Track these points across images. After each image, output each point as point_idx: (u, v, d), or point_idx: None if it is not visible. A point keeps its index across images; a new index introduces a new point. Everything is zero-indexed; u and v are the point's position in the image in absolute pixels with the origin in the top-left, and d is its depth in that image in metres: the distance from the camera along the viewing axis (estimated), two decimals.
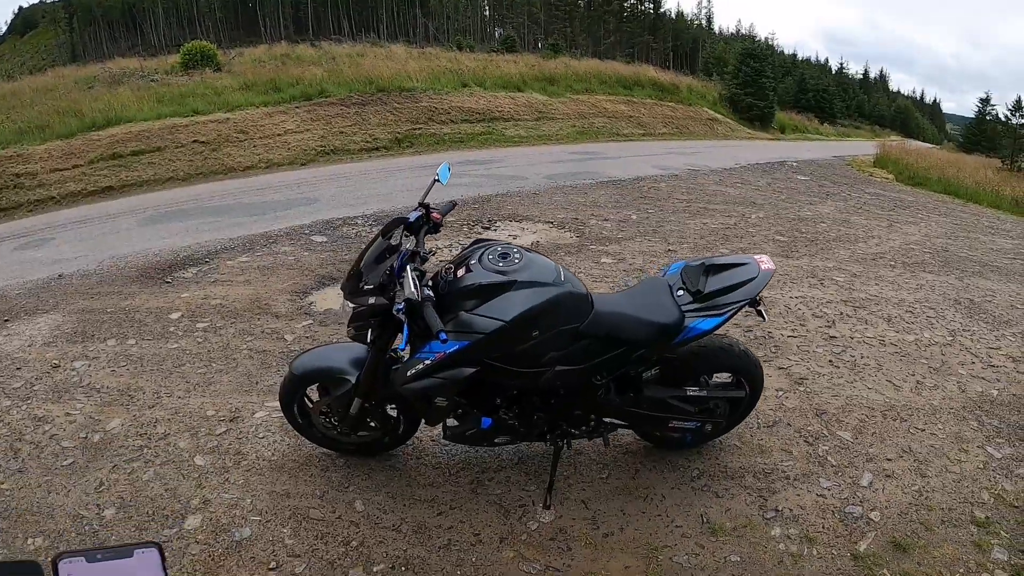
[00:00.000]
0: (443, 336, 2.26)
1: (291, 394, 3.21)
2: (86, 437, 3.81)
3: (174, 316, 5.42)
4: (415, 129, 16.67)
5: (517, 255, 2.70)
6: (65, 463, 3.59)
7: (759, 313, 3.02)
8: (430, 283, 2.72)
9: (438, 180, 3.12)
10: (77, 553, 0.61)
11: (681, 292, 2.96)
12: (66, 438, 3.81)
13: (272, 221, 8.52)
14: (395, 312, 2.39)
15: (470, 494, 3.24)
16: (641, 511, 3.15)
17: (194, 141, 13.81)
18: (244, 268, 6.57)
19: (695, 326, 2.85)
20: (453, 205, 3.32)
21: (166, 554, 0.66)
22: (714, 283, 2.94)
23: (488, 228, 8.10)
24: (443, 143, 16.40)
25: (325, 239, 7.63)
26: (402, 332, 2.45)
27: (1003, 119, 29.53)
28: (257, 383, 4.31)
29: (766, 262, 3.05)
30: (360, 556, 2.89)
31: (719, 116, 27.90)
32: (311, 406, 3.26)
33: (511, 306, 2.55)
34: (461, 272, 2.67)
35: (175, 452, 3.64)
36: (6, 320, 5.58)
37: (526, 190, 10.56)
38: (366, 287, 2.60)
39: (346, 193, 10.44)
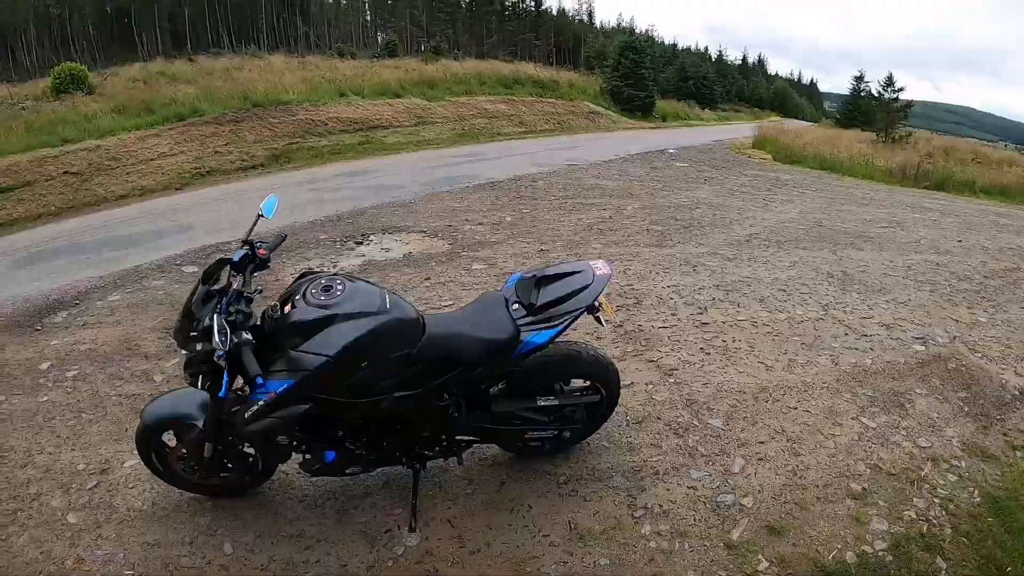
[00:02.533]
0: (260, 380, 2.29)
1: (146, 443, 3.15)
2: None
3: (44, 366, 5.21)
4: (293, 143, 16.45)
5: (340, 286, 2.70)
6: None
7: (597, 320, 3.11)
8: (258, 322, 2.71)
9: (262, 214, 3.08)
10: None
11: (516, 306, 3.00)
12: None
13: (144, 253, 8.24)
14: (216, 359, 2.38)
15: (336, 525, 3.24)
16: (508, 524, 3.20)
17: (64, 172, 13.17)
18: (114, 308, 6.35)
19: (530, 340, 2.90)
20: (283, 238, 3.28)
21: None
22: (548, 294, 3.00)
23: (361, 243, 8.06)
24: (321, 156, 16.19)
25: (196, 268, 7.43)
26: (234, 376, 2.45)
27: (876, 95, 31.11)
28: (127, 430, 4.18)
29: (602, 267, 3.13)
30: None
31: (600, 109, 28.45)
32: (168, 452, 3.21)
33: (335, 339, 2.56)
34: (287, 308, 2.67)
35: (48, 512, 3.52)
36: None
37: (402, 199, 10.55)
38: (193, 334, 2.57)
39: (221, 217, 10.19)
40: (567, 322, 2.96)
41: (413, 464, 3.16)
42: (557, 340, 3.03)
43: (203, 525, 3.30)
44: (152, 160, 14.33)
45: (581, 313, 3.00)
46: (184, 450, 3.12)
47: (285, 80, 19.30)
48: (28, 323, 6.20)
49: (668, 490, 3.39)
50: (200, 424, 3.00)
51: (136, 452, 3.27)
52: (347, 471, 3.10)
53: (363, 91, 20.11)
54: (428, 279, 6.50)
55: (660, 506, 3.28)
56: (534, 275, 3.11)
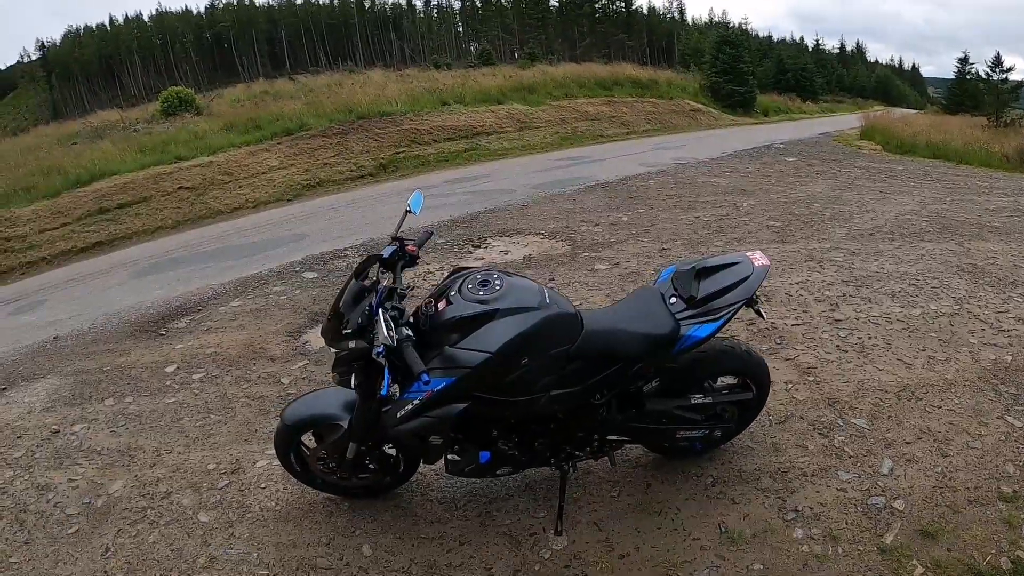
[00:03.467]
0: (425, 377, 2.19)
1: (285, 444, 3.13)
2: (90, 503, 3.75)
3: (169, 369, 5.35)
4: (398, 153, 16.67)
5: (498, 281, 2.61)
6: (70, 531, 3.53)
7: (757, 312, 2.93)
8: (411, 319, 2.64)
9: (410, 211, 2.99)
10: None
11: (674, 299, 2.86)
12: (70, 505, 3.75)
13: (262, 261, 8.46)
14: (375, 356, 2.29)
15: (479, 527, 3.15)
16: (656, 527, 3.05)
17: (179, 188, 13.79)
18: (237, 313, 6.50)
19: (691, 334, 2.75)
20: (430, 235, 3.20)
21: None
22: (707, 286, 2.84)
23: (479, 246, 8.03)
24: (427, 164, 16.37)
25: (316, 274, 7.56)
26: (385, 375, 2.36)
27: (983, 76, 29.45)
28: (256, 431, 4.24)
29: (760, 258, 2.95)
30: None
31: (701, 106, 27.91)
32: (308, 453, 3.19)
33: (496, 336, 2.46)
34: (442, 305, 2.58)
35: (179, 510, 3.57)
36: (3, 388, 5.52)
37: (514, 203, 10.51)
38: (346, 331, 2.51)
39: (334, 225, 10.39)
40: (729, 315, 2.79)
41: (562, 465, 3.03)
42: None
43: (340, 526, 3.26)
44: (263, 173, 14.84)
45: (742, 306, 2.84)
46: (325, 451, 3.08)
47: (387, 92, 19.67)
48: (152, 329, 6.42)
49: (818, 492, 3.20)
50: (344, 424, 2.95)
51: (271, 451, 3.26)
52: (497, 472, 3.00)
53: (464, 99, 20.26)
54: (552, 280, 6.41)
55: (811, 509, 3.09)
56: (693, 266, 2.94)
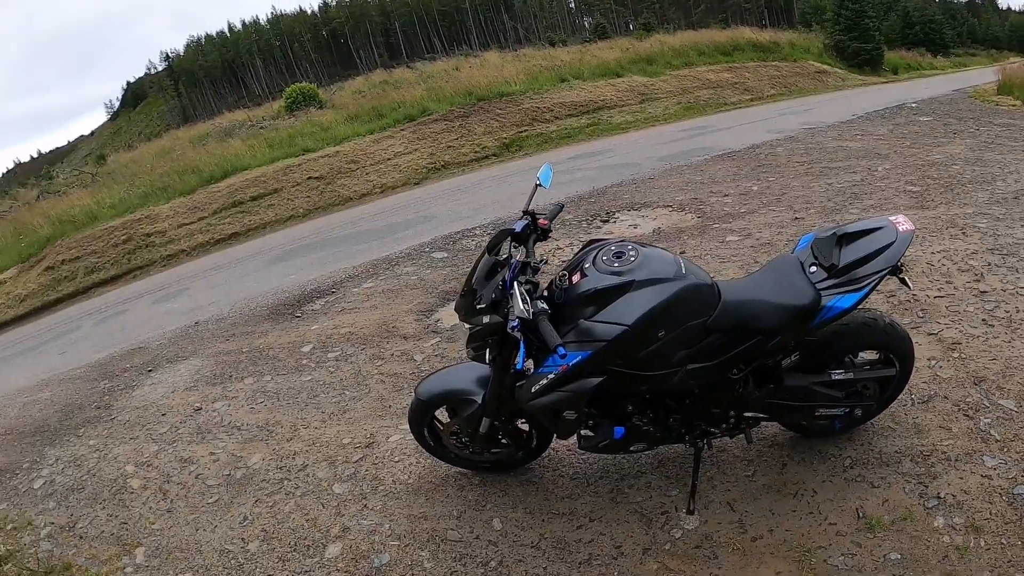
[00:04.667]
0: (561, 351, 2.18)
1: (419, 419, 3.21)
2: (229, 474, 4.00)
3: (306, 349, 5.60)
4: (521, 132, 16.70)
5: (632, 252, 2.57)
6: (210, 500, 3.79)
7: (903, 281, 2.75)
8: (545, 293, 2.63)
9: (540, 184, 2.97)
10: None
11: (814, 268, 2.72)
12: (211, 477, 4.01)
13: (392, 244, 8.71)
14: (510, 330, 2.32)
15: (610, 504, 3.14)
16: (791, 509, 2.96)
17: (308, 178, 14.41)
18: (370, 294, 6.72)
19: (834, 305, 2.62)
20: (560, 208, 3.18)
21: None
22: (849, 254, 2.68)
23: (607, 221, 7.95)
24: (550, 142, 16.33)
25: (446, 254, 7.72)
26: (519, 349, 2.38)
27: None
28: (390, 407, 4.38)
29: (904, 223, 2.76)
30: None
31: (827, 67, 26.57)
32: (441, 428, 3.27)
33: (632, 308, 2.43)
34: (576, 278, 2.57)
35: (314, 482, 3.75)
36: (150, 370, 5.92)
37: (640, 176, 10.32)
38: (479, 306, 2.55)
39: (461, 206, 10.56)
40: (873, 283, 2.64)
41: (696, 442, 2.98)
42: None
43: (471, 500, 3.33)
44: (388, 159, 15.26)
45: (886, 274, 2.67)
46: (458, 425, 3.15)
47: (505, 73, 19.72)
48: (288, 311, 6.72)
49: (961, 479, 2.99)
50: (478, 399, 3.00)
51: (404, 426, 3.36)
52: (631, 448, 2.97)
53: (583, 74, 20.01)
54: (683, 253, 6.27)
55: (953, 496, 2.90)
56: (834, 232, 2.79)
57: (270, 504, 3.64)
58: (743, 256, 6.00)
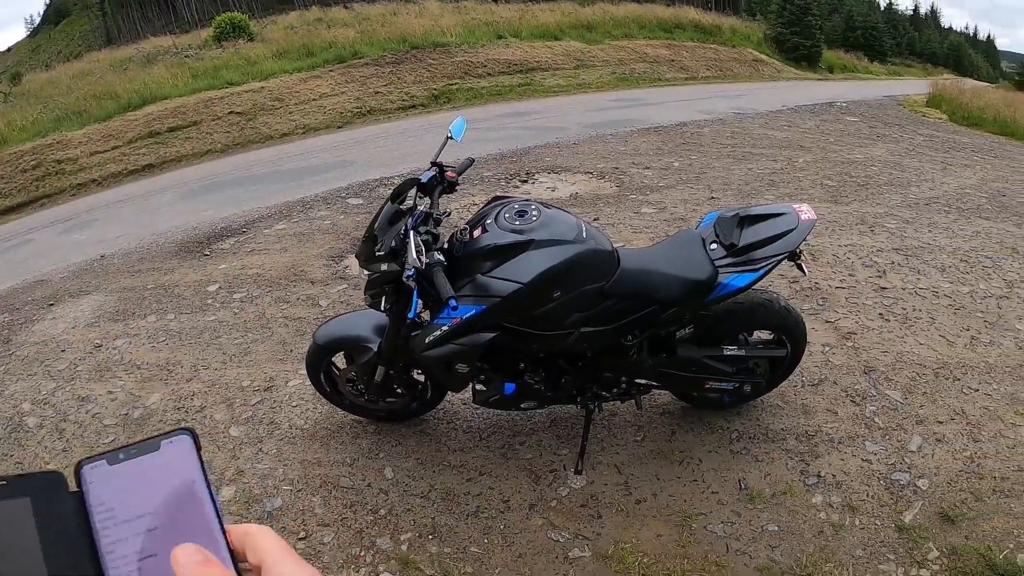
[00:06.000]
0: (453, 303, 2.15)
1: (317, 363, 3.17)
2: (127, 414, 3.88)
3: (212, 288, 5.46)
4: (452, 84, 16.43)
5: (535, 212, 2.56)
6: (106, 441, 3.66)
7: (799, 267, 2.80)
8: (444, 246, 2.61)
9: (451, 137, 2.94)
10: (99, 457, 0.53)
11: (715, 246, 2.76)
12: (108, 416, 3.88)
13: (309, 186, 8.51)
14: (405, 279, 2.28)
15: (500, 459, 3.18)
16: (676, 476, 3.05)
17: (230, 112, 13.84)
18: (281, 236, 6.57)
19: (729, 282, 2.67)
20: (471, 162, 3.12)
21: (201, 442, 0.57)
22: (749, 235, 2.73)
23: (526, 181, 7.95)
24: (480, 97, 16.14)
25: (362, 201, 7.60)
26: (415, 299, 2.36)
27: None
28: (292, 351, 4.31)
29: (806, 211, 2.82)
30: (388, 525, 2.88)
31: (764, 57, 26.96)
32: (338, 374, 3.23)
33: (529, 267, 2.42)
34: (477, 233, 2.55)
35: (211, 424, 3.67)
36: (51, 304, 5.67)
37: (565, 140, 10.32)
38: (379, 253, 2.51)
39: (383, 153, 10.38)
40: (770, 266, 2.69)
41: (588, 404, 3.02)
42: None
43: (365, 448, 3.32)
44: (314, 100, 14.79)
45: (783, 259, 2.72)
46: (355, 372, 3.12)
47: (443, 23, 19.30)
48: (197, 249, 6.53)
49: (842, 460, 3.14)
50: (374, 347, 2.98)
51: (303, 371, 3.31)
52: (522, 405, 3.00)
53: (521, 33, 19.77)
54: (597, 220, 6.35)
55: (833, 476, 3.04)
56: (737, 213, 2.84)
57: None
58: (655, 228, 6.10)
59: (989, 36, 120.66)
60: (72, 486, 0.52)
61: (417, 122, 13.66)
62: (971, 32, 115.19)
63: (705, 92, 17.32)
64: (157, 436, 0.55)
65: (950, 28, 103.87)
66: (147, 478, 0.53)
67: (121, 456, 0.53)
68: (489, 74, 17.27)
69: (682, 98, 15.73)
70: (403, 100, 15.48)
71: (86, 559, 0.49)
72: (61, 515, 0.50)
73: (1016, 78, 40.83)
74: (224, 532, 0.52)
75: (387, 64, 16.56)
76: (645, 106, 14.20)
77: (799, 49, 30.10)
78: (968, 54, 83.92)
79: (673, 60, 21.71)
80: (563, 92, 17.04)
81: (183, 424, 3.68)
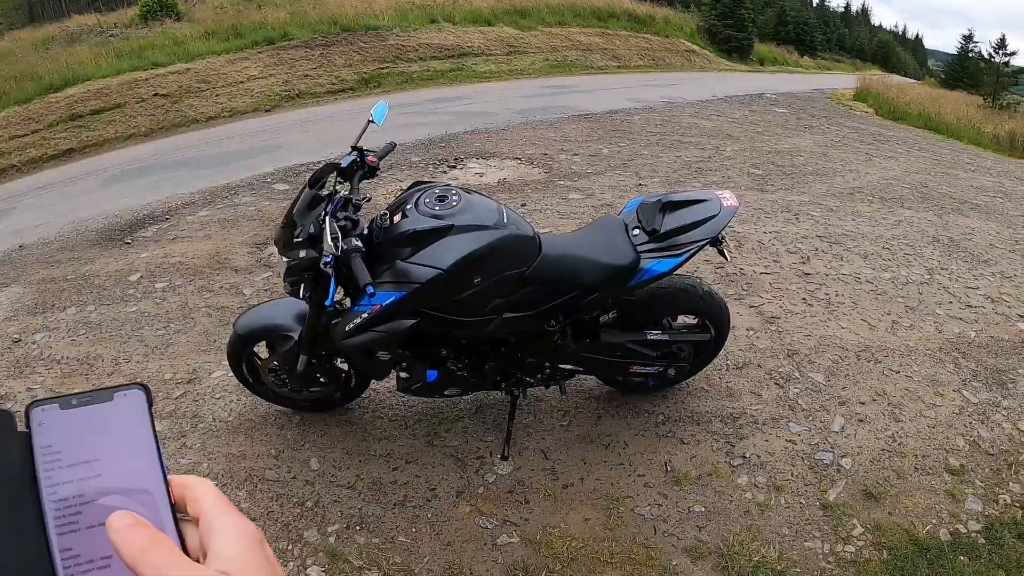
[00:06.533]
0: (370, 290, 2.12)
1: (237, 354, 3.09)
2: None
3: (133, 278, 5.29)
4: (382, 68, 16.18)
5: (455, 197, 2.53)
6: None
7: (721, 253, 2.85)
8: (364, 231, 2.56)
9: (373, 121, 2.87)
10: (51, 400, 0.52)
11: (637, 231, 2.78)
12: None
13: (234, 171, 8.29)
14: (322, 266, 2.25)
15: (426, 447, 3.16)
16: (603, 460, 3.08)
17: (155, 95, 13.35)
18: (204, 223, 6.40)
19: (650, 268, 2.69)
20: (392, 147, 3.06)
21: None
22: (672, 221, 2.76)
23: (455, 167, 7.91)
24: (411, 82, 15.94)
25: (287, 186, 7.46)
26: (337, 286, 2.32)
27: (986, 56, 29.32)
28: (215, 341, 4.21)
29: (729, 198, 2.87)
30: (315, 517, 2.84)
31: (696, 48, 27.34)
32: (260, 364, 3.16)
33: (448, 252, 2.40)
34: (397, 218, 2.51)
35: None
36: None
37: (495, 126, 10.31)
38: (297, 239, 2.44)
39: (310, 138, 10.18)
40: (692, 251, 2.72)
41: (512, 390, 3.03)
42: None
43: (290, 439, 3.27)
44: (242, 83, 14.38)
45: (705, 244, 2.75)
46: (276, 362, 3.06)
47: (375, 6, 18.94)
48: (118, 237, 6.31)
49: (767, 441, 3.23)
50: (295, 336, 2.92)
51: (226, 362, 3.24)
52: (445, 392, 2.98)
53: (454, 18, 19.56)
54: (524, 205, 6.36)
55: (758, 457, 3.12)
56: (659, 199, 2.86)
57: None
58: (582, 215, 6.14)
59: (917, 35, 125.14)
60: (22, 427, 0.51)
61: (346, 106, 13.44)
62: (900, 30, 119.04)
63: (637, 81, 17.50)
64: (111, 387, 0.55)
65: (880, 26, 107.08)
66: (97, 426, 0.53)
67: (74, 402, 0.53)
68: (421, 58, 17.06)
69: (613, 86, 15.86)
70: (333, 84, 15.18)
71: (26, 496, 0.49)
72: (5, 451, 0.50)
73: (942, 76, 42.53)
74: (167, 484, 0.52)
75: (317, 46, 16.20)
76: (576, 93, 14.25)
77: (731, 41, 30.65)
78: (896, 51, 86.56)
79: (606, 48, 21.83)
80: (495, 78, 16.97)
81: None
